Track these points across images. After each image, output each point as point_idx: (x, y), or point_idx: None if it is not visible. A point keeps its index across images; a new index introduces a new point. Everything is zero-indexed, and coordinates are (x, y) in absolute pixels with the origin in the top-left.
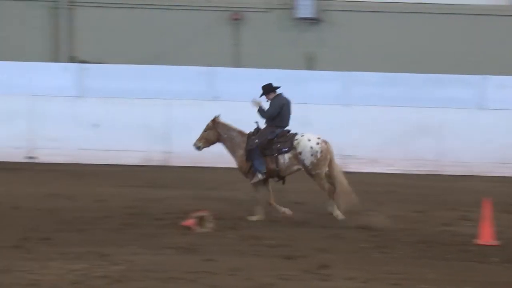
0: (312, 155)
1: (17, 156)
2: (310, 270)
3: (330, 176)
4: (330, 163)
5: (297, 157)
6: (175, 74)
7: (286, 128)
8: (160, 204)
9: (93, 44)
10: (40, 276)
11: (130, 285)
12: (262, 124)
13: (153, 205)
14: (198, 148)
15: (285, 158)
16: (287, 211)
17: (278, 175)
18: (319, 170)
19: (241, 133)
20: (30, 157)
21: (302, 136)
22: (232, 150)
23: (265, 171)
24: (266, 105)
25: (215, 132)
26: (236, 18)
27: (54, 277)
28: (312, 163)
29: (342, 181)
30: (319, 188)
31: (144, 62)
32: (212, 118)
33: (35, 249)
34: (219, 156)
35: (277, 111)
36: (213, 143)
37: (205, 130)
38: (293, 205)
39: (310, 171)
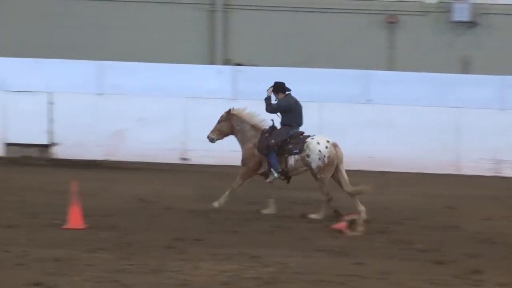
0: (319, 158)
1: (172, 157)
2: (461, 275)
3: (335, 179)
4: (339, 167)
5: (305, 159)
6: (328, 76)
7: (300, 130)
8: (311, 207)
9: (247, 47)
10: (192, 276)
11: (281, 287)
12: (277, 122)
13: (305, 208)
14: (212, 140)
15: (294, 159)
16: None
17: (286, 175)
18: (324, 175)
19: (254, 127)
20: (184, 159)
21: (313, 139)
22: (242, 142)
23: (280, 170)
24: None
25: (229, 124)
26: (392, 22)
27: (205, 278)
28: (318, 166)
29: (346, 183)
30: (321, 192)
31: (296, 65)
32: (227, 109)
33: (187, 249)
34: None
35: (281, 109)
36: (226, 135)
37: (219, 122)
38: (445, 210)
39: (316, 175)
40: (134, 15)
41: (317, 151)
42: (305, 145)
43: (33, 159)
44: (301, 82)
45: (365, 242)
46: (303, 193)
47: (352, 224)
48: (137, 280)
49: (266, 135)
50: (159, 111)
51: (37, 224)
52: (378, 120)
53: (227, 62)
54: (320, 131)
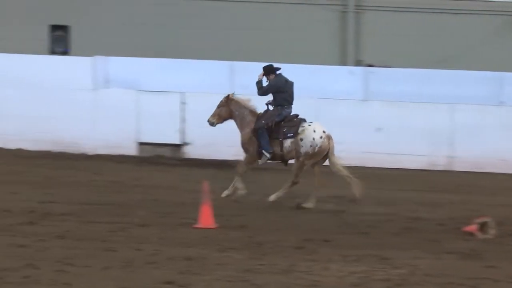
0: (311, 146)
1: None
2: None
3: (332, 170)
4: (330, 158)
5: (298, 142)
6: (460, 78)
7: (295, 113)
8: (442, 209)
9: (379, 48)
10: (321, 277)
11: None
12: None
13: (435, 209)
14: (212, 124)
15: (289, 142)
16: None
17: (282, 158)
18: (307, 161)
19: (252, 112)
20: None
21: (309, 125)
22: (241, 127)
23: (271, 151)
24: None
25: (228, 109)
26: None
27: (335, 279)
28: (306, 152)
29: (342, 171)
30: (294, 173)
31: (429, 66)
32: (226, 95)
33: (316, 250)
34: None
35: (271, 91)
36: (225, 119)
37: (218, 107)
38: None
39: (299, 157)
40: (265, 16)
41: (311, 138)
42: (301, 129)
43: (165, 159)
44: (433, 84)
45: (497, 245)
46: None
47: (483, 226)
48: (267, 280)
49: (261, 118)
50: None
51: (169, 223)
52: (511, 123)
53: (358, 63)
54: (452, 133)
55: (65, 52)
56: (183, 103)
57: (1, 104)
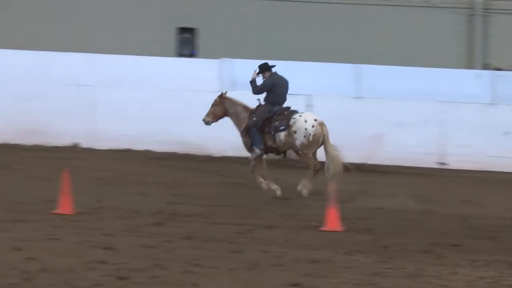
0: (305, 136)
1: (428, 161)
2: None
3: (326, 155)
4: (325, 144)
5: (292, 135)
6: None
7: (286, 105)
8: None
9: (507, 51)
10: (449, 282)
11: None
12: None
13: None
14: (207, 123)
15: (282, 135)
16: (277, 189)
17: (277, 151)
18: (306, 150)
19: (246, 108)
20: (441, 163)
21: (300, 116)
22: (238, 124)
23: (263, 147)
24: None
25: (222, 107)
26: None
27: (463, 284)
28: (302, 143)
29: (336, 158)
30: (309, 165)
31: None
32: (219, 94)
33: (444, 254)
34: None
35: (266, 89)
36: (220, 117)
37: (212, 106)
38: None
39: (298, 150)
40: (391, 19)
41: (303, 129)
42: (292, 121)
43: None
44: None
45: None
46: None
47: None
48: (395, 284)
49: (253, 114)
50: (415, 115)
51: (295, 226)
52: None
53: (486, 66)
54: None
55: (192, 55)
56: (309, 105)
57: (129, 106)
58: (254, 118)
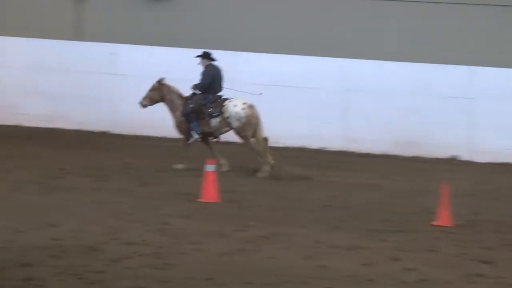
0: (237, 119)
1: None
2: None
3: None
4: (256, 129)
5: (225, 120)
6: None
7: (219, 94)
8: None
9: None
10: None
11: None
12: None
13: None
14: (144, 106)
15: (216, 121)
16: (224, 164)
17: (212, 135)
18: (245, 133)
19: (180, 96)
20: None
21: (230, 102)
22: (172, 110)
23: (200, 131)
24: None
25: (159, 92)
26: None
27: None
28: (238, 127)
29: (259, 142)
30: (248, 149)
31: None
32: (158, 79)
33: None
34: None
35: (209, 80)
36: (156, 102)
37: (150, 90)
38: None
39: (238, 133)
40: None
41: (234, 113)
42: (224, 108)
43: None
44: None
45: None
46: None
47: None
48: None
49: (188, 101)
50: None
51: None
52: None
53: None
54: None
55: None
56: None
57: (510, 119)
58: (192, 105)
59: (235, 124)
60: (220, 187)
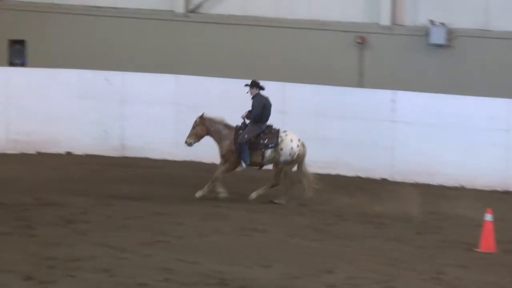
0: (290, 154)
1: None
2: None
3: (300, 173)
4: (300, 163)
5: (278, 151)
6: None
7: (269, 123)
8: None
9: None
10: None
11: None
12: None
13: None
14: (190, 144)
15: (269, 152)
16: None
17: (260, 165)
18: (287, 168)
19: (227, 126)
20: None
21: (286, 135)
22: (219, 140)
23: (249, 162)
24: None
25: (203, 127)
26: None
27: None
28: (285, 161)
29: (309, 175)
30: (274, 177)
31: None
32: (199, 115)
33: None
34: None
35: (261, 110)
36: (202, 137)
37: (193, 127)
38: None
39: (280, 166)
40: None
41: (290, 148)
42: (279, 139)
43: None
44: None
45: None
46: None
47: None
48: None
49: (241, 131)
50: None
51: None
52: None
53: None
54: None
55: None
56: None
57: None
58: (246, 136)
59: (286, 158)
60: (497, 237)
